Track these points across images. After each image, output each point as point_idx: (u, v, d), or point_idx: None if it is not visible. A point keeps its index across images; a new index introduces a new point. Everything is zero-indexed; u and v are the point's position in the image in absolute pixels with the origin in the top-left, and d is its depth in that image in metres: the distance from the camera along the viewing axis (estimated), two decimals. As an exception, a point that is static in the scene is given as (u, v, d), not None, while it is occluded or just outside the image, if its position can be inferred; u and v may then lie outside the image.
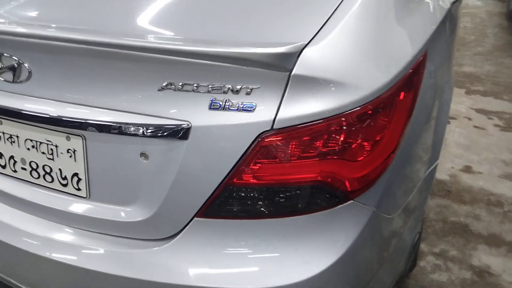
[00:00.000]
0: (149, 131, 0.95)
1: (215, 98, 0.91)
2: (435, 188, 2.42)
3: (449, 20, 1.56)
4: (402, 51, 1.05)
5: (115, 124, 0.97)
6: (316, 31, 0.94)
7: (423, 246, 2.01)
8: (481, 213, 2.24)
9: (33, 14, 1.14)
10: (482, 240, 2.07)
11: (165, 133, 0.95)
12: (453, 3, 1.65)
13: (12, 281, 1.25)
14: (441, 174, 2.54)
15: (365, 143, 0.95)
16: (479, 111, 3.30)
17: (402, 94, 1.02)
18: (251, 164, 0.93)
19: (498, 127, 3.06)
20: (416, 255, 1.77)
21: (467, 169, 2.60)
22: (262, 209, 0.97)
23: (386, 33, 1.06)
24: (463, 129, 3.04)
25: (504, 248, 2.02)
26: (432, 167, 1.34)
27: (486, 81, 3.82)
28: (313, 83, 0.88)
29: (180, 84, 0.91)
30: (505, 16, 5.29)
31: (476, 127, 3.08)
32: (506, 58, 4.29)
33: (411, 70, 1.05)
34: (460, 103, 3.42)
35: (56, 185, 1.12)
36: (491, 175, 2.55)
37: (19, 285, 1.23)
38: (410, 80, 1.05)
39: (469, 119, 3.18)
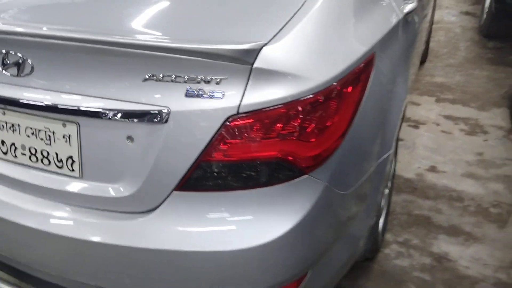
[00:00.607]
0: (135, 116, 1.12)
1: (190, 87, 1.08)
2: (402, 185, 2.61)
3: (402, 28, 1.76)
4: (350, 52, 1.24)
5: (105, 110, 1.14)
6: (276, 33, 1.12)
7: (388, 236, 2.19)
8: (443, 207, 2.43)
9: (35, 16, 1.32)
10: (443, 231, 2.25)
11: (148, 118, 1.12)
12: (408, 13, 1.86)
13: (15, 258, 1.39)
14: (408, 173, 2.74)
15: (318, 127, 1.13)
16: (447, 117, 3.52)
17: (350, 87, 1.20)
18: (221, 144, 1.10)
19: (464, 131, 3.28)
20: (377, 241, 1.94)
21: (433, 169, 2.79)
22: (231, 183, 1.13)
23: (337, 35, 1.25)
24: (431, 134, 3.25)
25: (462, 237, 2.21)
26: (384, 156, 1.52)
27: (455, 90, 4.05)
28: (271, 75, 1.07)
29: (161, 75, 1.09)
30: (477, 31, 5.56)
31: (443, 131, 3.29)
32: (475, 70, 4.54)
33: (360, 66, 1.24)
34: (430, 110, 3.63)
35: (52, 167, 1.28)
36: (454, 174, 2.75)
37: (21, 260, 1.38)
38: (357, 76, 1.24)
39: (437, 124, 3.40)
